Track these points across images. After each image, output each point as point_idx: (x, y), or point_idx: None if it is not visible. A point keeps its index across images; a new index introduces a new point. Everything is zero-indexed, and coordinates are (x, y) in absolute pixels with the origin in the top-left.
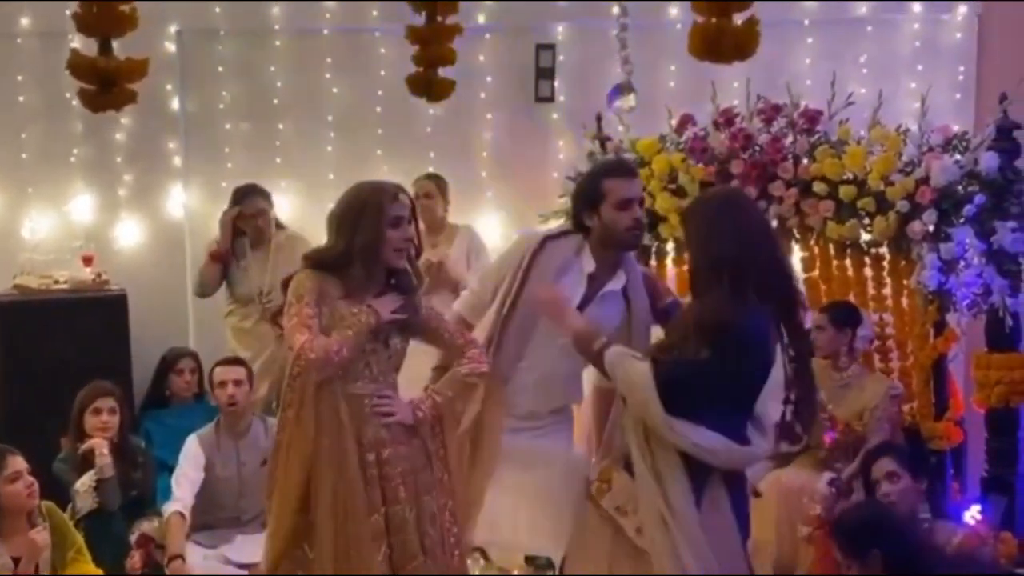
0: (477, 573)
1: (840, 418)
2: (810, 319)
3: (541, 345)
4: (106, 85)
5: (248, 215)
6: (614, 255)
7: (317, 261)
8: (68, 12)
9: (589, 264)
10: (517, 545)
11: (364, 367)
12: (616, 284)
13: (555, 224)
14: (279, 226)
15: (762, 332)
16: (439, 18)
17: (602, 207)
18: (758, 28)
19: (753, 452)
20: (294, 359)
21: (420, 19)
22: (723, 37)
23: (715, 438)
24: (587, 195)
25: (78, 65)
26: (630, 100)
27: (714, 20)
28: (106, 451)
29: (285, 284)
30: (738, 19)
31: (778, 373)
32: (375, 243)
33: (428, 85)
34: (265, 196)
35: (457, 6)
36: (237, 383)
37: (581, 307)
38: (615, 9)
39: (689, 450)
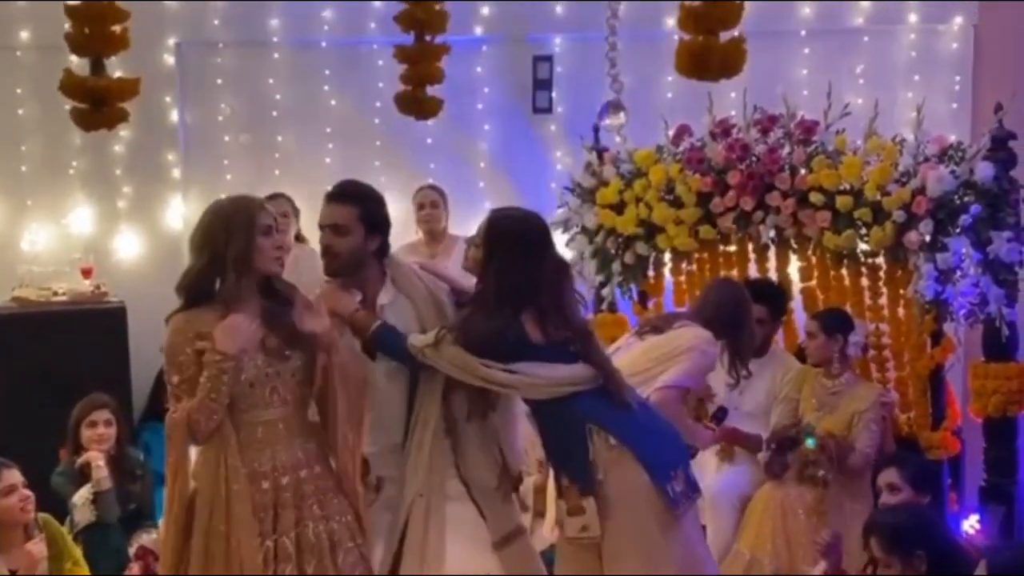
0: None
1: (827, 427)
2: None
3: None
4: (98, 104)
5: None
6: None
7: (188, 294)
8: (67, 26)
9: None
10: None
11: (271, 392)
12: (384, 298)
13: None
14: (299, 238)
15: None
16: (427, 37)
17: None
18: (744, 46)
19: None
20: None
21: (409, 38)
22: (709, 55)
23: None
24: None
25: (70, 85)
26: (620, 118)
27: (700, 38)
28: (102, 464)
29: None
30: (724, 37)
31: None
32: (247, 251)
33: (417, 103)
34: (291, 204)
35: (445, 25)
36: None
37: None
38: (607, 19)
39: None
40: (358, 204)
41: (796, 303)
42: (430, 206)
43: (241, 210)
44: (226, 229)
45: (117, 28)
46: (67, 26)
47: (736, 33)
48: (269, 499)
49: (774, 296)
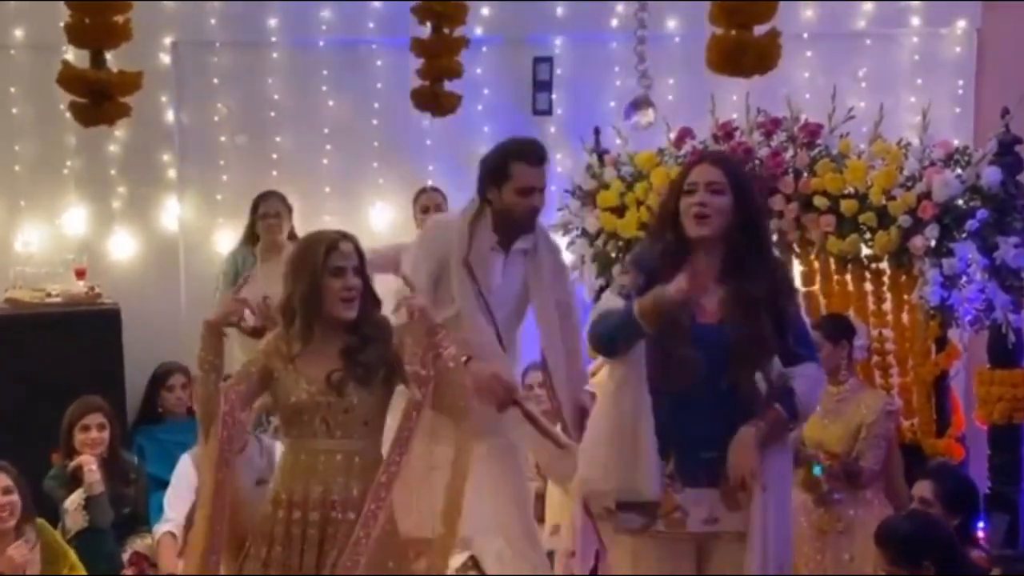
0: None
1: (833, 436)
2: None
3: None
4: (98, 99)
5: (264, 215)
6: (511, 232)
7: (286, 321)
8: (62, 24)
9: (491, 238)
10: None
11: (320, 422)
12: (523, 244)
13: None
14: (292, 237)
15: None
16: (445, 30)
17: (504, 188)
18: (779, 41)
19: None
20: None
21: (424, 31)
22: (744, 50)
23: None
24: (493, 172)
25: (69, 78)
26: (648, 115)
27: (733, 32)
28: (95, 468)
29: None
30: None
31: None
32: (314, 294)
33: (434, 99)
34: (283, 202)
35: (464, 17)
36: None
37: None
38: (635, 13)
39: None
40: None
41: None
42: (435, 209)
43: (310, 250)
44: (295, 269)
45: (119, 19)
46: (67, 16)
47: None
48: (281, 530)
49: None
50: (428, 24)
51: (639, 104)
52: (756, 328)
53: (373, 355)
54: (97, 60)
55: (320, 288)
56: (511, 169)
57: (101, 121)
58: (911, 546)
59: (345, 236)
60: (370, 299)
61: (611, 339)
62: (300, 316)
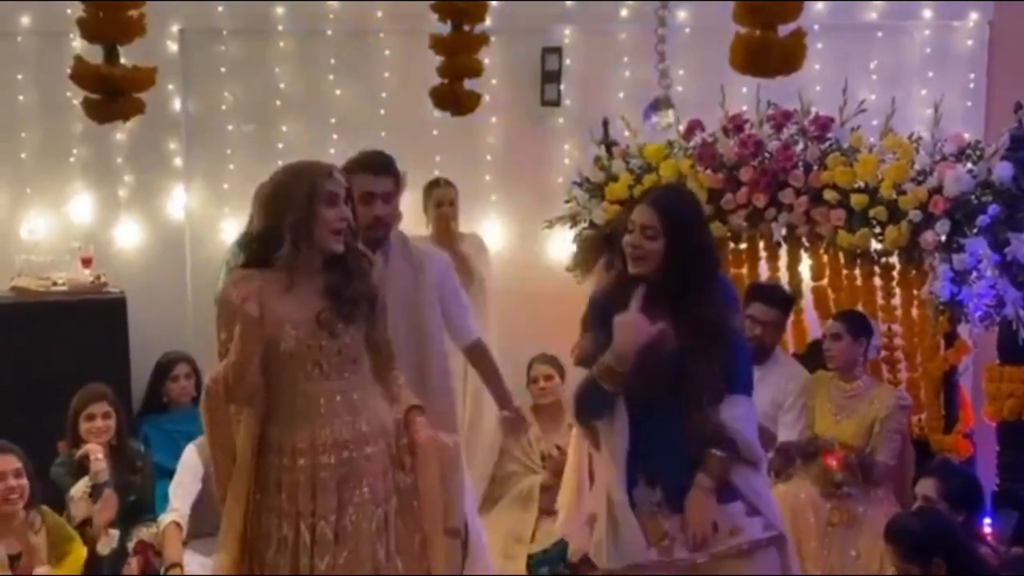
0: None
1: (846, 432)
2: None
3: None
4: (112, 95)
5: None
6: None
7: (248, 255)
8: (69, 11)
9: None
10: None
11: (312, 366)
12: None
13: (560, 229)
14: None
15: None
16: (465, 27)
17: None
18: (805, 41)
19: None
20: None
21: (441, 27)
22: (769, 50)
23: None
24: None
25: (83, 74)
26: (668, 116)
27: (758, 32)
28: (101, 456)
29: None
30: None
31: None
32: (307, 222)
33: (454, 98)
34: None
35: (484, 15)
36: None
37: None
38: (656, 10)
39: None
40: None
41: (807, 303)
42: (449, 204)
43: (303, 175)
44: (286, 195)
45: (133, 13)
46: (74, 7)
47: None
48: (305, 477)
49: (783, 301)
50: (448, 21)
51: (659, 105)
52: (702, 355)
53: (358, 290)
54: (111, 55)
55: (313, 216)
56: (354, 179)
57: (115, 117)
58: (922, 543)
59: (336, 167)
60: (351, 231)
61: (590, 409)
62: (289, 244)
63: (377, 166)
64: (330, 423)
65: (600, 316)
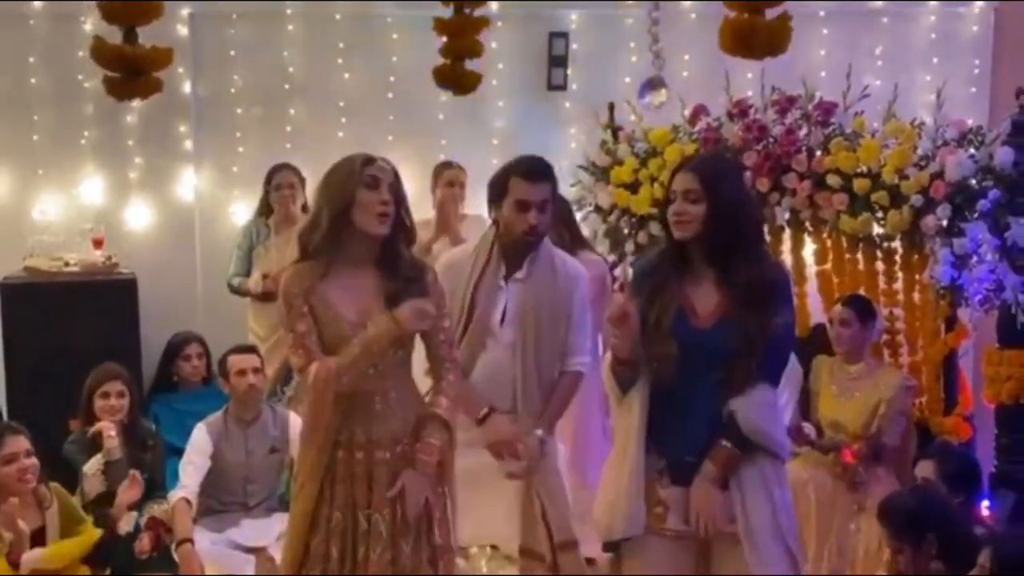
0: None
1: (850, 414)
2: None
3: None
4: (132, 74)
5: (277, 186)
6: (518, 248)
7: (301, 247)
8: (96, 1)
9: (499, 271)
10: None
11: (371, 366)
12: (520, 273)
13: None
14: (306, 209)
15: None
16: (466, 10)
17: (504, 204)
18: (790, 24)
19: None
20: (307, 388)
21: (447, 11)
22: (755, 33)
23: None
24: (494, 188)
25: (102, 53)
26: (661, 95)
27: (746, 15)
28: (114, 433)
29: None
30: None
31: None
32: (346, 205)
33: (455, 77)
34: (297, 174)
35: None
36: (256, 371)
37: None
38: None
39: None
40: (554, 180)
41: (811, 287)
42: (460, 187)
43: (345, 163)
44: (326, 185)
45: None
46: None
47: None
48: (362, 470)
49: None
50: (451, 5)
51: (653, 84)
52: (744, 330)
53: (411, 293)
54: (130, 36)
55: (352, 197)
56: (509, 183)
57: (135, 95)
58: (914, 519)
59: (379, 158)
60: (404, 232)
61: (619, 382)
62: (328, 227)
63: (533, 173)
64: (385, 419)
65: (640, 284)
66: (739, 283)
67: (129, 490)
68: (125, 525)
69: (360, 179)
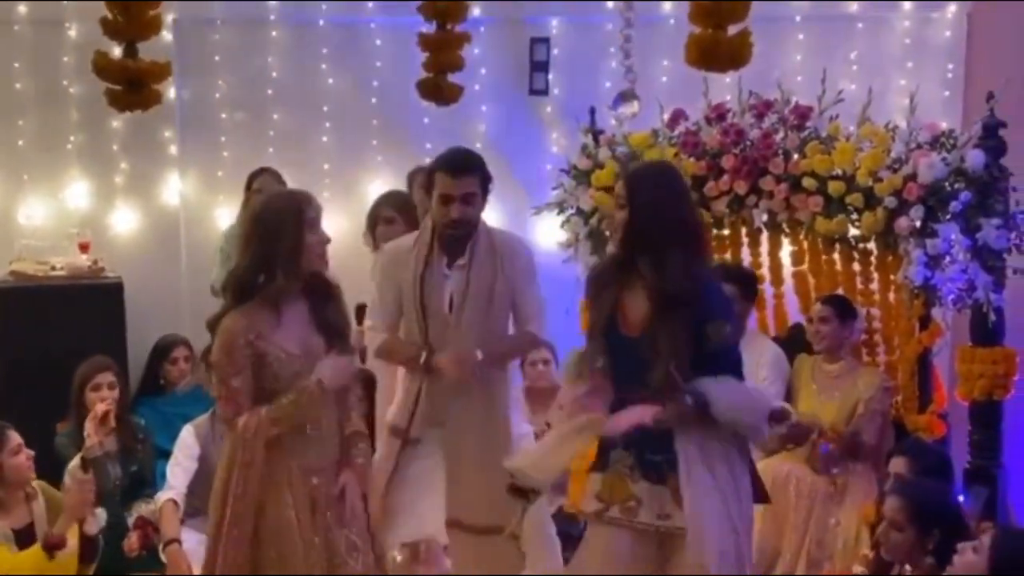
0: None
1: (830, 413)
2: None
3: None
4: (134, 86)
5: (258, 191)
6: (453, 238)
7: (239, 291)
8: (99, 20)
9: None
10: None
11: None
12: (461, 260)
13: (548, 216)
14: None
15: None
16: (448, 26)
17: (433, 199)
18: (751, 40)
19: None
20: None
21: (429, 27)
22: (718, 47)
23: None
24: (425, 181)
25: (106, 67)
26: (633, 107)
27: (709, 31)
28: (93, 432)
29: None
30: (733, 31)
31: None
32: (297, 248)
33: (438, 90)
34: (278, 178)
35: (465, 15)
36: None
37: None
38: (622, 11)
39: None
40: (481, 172)
41: (788, 287)
42: None
43: (290, 205)
44: (276, 226)
45: (153, 13)
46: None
47: (743, 26)
48: (319, 495)
49: (742, 277)
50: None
51: (625, 97)
52: (661, 332)
53: (338, 314)
54: (130, 50)
55: (301, 241)
56: (435, 178)
57: (137, 106)
58: (933, 511)
59: (310, 194)
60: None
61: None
62: (283, 274)
63: (454, 168)
64: (320, 446)
65: (592, 289)
66: (656, 290)
67: (76, 495)
68: (91, 526)
69: (305, 222)
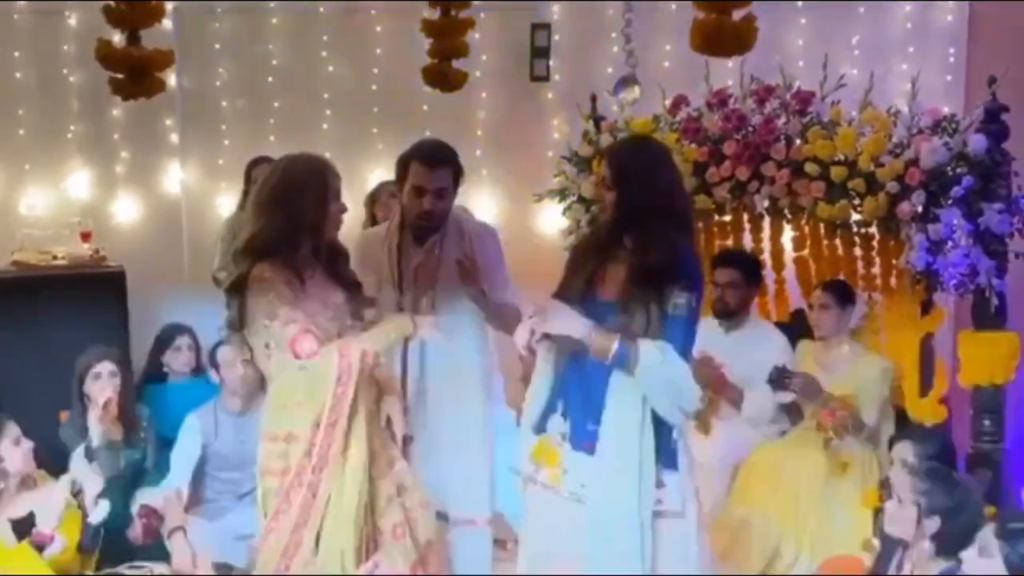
0: None
1: (836, 394)
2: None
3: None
4: (138, 75)
5: (256, 180)
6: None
7: (264, 249)
8: (101, 7)
9: (393, 239)
10: None
11: None
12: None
13: (549, 203)
14: None
15: None
16: (453, 12)
17: (404, 187)
18: (756, 24)
19: None
20: (339, 372)
21: (434, 13)
22: (722, 32)
23: None
24: (398, 168)
25: (109, 55)
26: (634, 92)
27: (714, 16)
28: (96, 421)
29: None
30: (737, 15)
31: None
32: (322, 218)
33: (443, 76)
34: None
35: (471, 2)
36: (246, 362)
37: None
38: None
39: None
40: (455, 165)
41: (789, 272)
42: None
43: (316, 174)
44: (302, 193)
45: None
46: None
47: (747, 11)
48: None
49: (746, 262)
50: (437, 7)
51: (626, 82)
52: (637, 309)
53: (349, 271)
54: (133, 38)
55: (326, 211)
56: (409, 167)
57: (141, 95)
58: (949, 495)
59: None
60: None
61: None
62: (308, 242)
63: (432, 159)
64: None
65: (575, 255)
66: (635, 265)
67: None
68: (96, 516)
69: (329, 191)
